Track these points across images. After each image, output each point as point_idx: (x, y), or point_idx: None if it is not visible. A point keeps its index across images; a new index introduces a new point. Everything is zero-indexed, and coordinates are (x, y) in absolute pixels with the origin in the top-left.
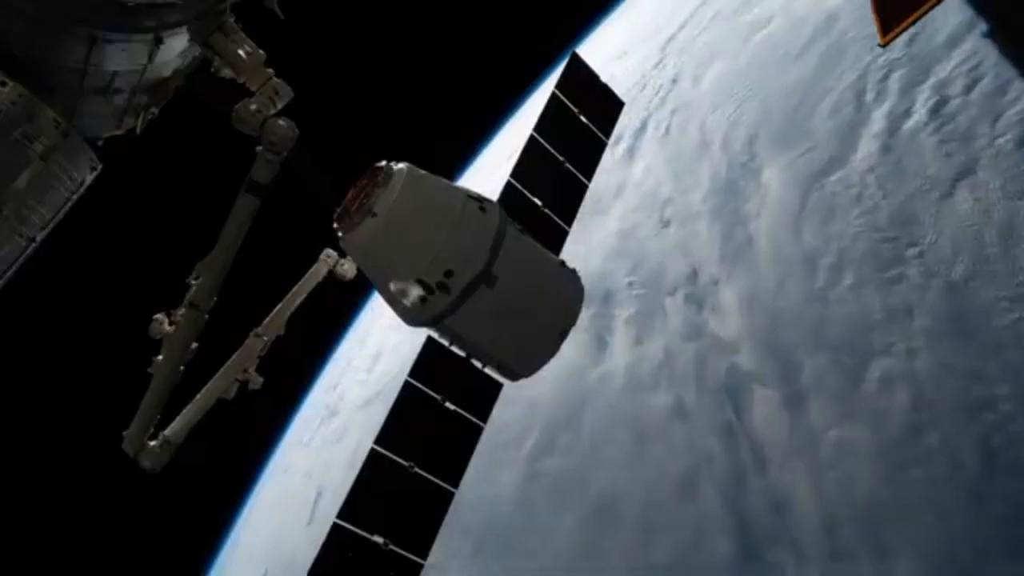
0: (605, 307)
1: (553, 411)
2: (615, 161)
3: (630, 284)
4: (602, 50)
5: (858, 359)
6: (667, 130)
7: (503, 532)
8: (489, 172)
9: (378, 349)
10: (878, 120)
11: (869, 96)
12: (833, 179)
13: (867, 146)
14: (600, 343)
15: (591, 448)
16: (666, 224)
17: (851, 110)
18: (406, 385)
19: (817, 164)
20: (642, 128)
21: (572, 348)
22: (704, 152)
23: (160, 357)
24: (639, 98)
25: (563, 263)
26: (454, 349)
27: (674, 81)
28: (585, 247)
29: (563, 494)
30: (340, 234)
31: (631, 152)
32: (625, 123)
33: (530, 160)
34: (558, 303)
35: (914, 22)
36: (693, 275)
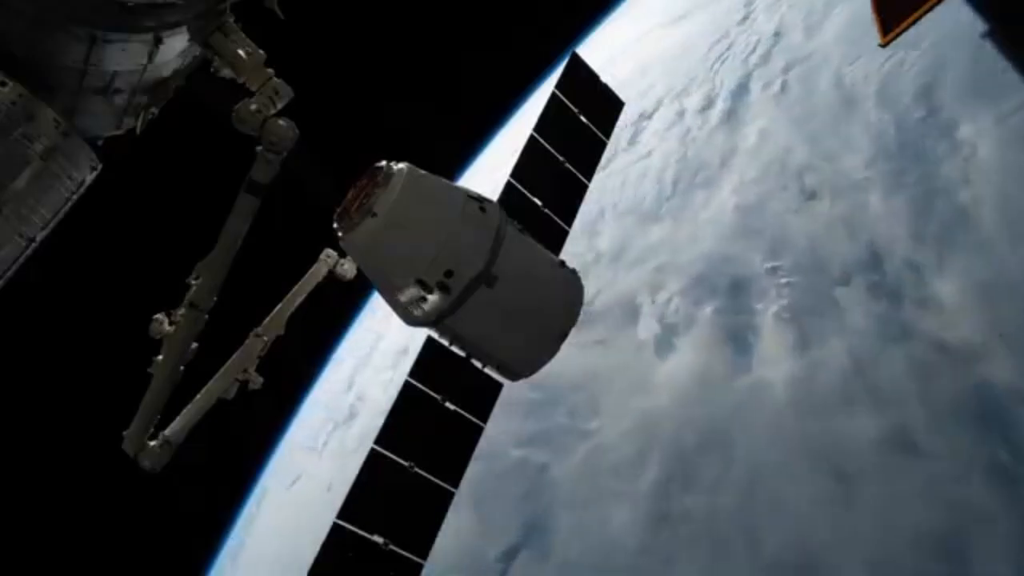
0: (737, 299)
1: (679, 431)
2: (711, 127)
3: (772, 270)
4: (651, 17)
5: None
6: (783, 87)
7: None
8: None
9: (403, 345)
10: None
11: None
12: None
13: None
14: (740, 345)
15: (755, 484)
16: (811, 196)
17: None
18: (406, 385)
19: None
20: (742, 89)
21: (693, 349)
22: (851, 109)
23: (160, 357)
24: (727, 56)
25: (563, 263)
26: (454, 349)
27: (777, 35)
28: (691, 226)
29: (722, 546)
30: (340, 234)
31: (732, 115)
32: (717, 83)
33: (530, 160)
34: (558, 303)
35: (915, 22)
36: (874, 258)
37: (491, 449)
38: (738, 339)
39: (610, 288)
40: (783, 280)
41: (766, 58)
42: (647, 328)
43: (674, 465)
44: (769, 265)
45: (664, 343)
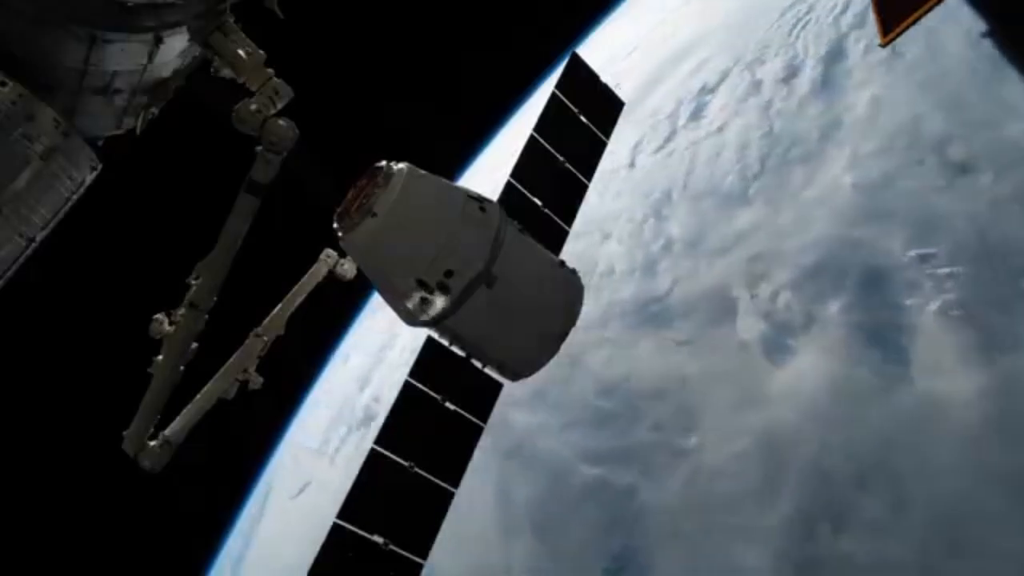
0: (875, 293)
1: (819, 455)
2: (800, 97)
3: (922, 259)
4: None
5: None
6: (893, 50)
7: None
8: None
9: (419, 345)
10: None
11: None
12: None
13: None
14: (888, 348)
15: (950, 532)
16: (963, 170)
17: None
18: (406, 385)
19: None
20: (835, 54)
21: (819, 353)
22: (1002, 68)
23: (160, 357)
24: (808, 20)
25: (563, 263)
26: (454, 349)
27: None
28: (793, 208)
29: None
30: (340, 234)
31: (827, 83)
32: (800, 50)
33: (530, 160)
34: (558, 303)
35: (915, 22)
36: None
37: (554, 464)
38: (884, 341)
39: (690, 279)
40: (942, 270)
41: (863, 19)
42: (749, 327)
43: (818, 499)
44: (916, 252)
45: (776, 345)
